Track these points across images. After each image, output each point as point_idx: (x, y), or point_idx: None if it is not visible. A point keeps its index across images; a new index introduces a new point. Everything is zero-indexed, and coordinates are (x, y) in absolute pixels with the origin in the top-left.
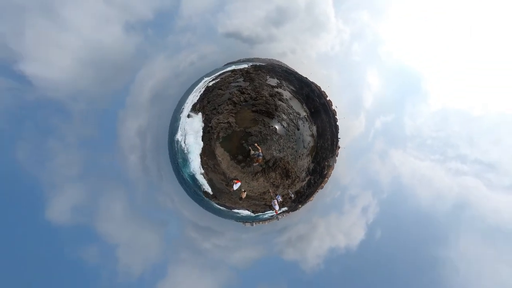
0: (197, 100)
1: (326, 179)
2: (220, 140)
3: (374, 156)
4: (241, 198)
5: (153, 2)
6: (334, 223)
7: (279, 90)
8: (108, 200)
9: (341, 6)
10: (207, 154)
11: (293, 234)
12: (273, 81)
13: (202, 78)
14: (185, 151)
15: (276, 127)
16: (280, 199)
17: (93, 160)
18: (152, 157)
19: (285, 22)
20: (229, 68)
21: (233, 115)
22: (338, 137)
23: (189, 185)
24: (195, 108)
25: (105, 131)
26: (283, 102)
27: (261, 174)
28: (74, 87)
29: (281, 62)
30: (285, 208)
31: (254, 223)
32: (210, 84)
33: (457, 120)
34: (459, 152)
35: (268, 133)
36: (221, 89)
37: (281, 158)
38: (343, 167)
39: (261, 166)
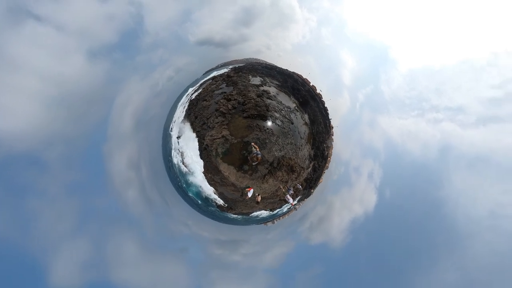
0: (184, 117)
1: (329, 159)
2: (220, 155)
3: (364, 126)
4: (257, 202)
5: (114, 23)
6: (347, 196)
7: (265, 87)
8: (116, 246)
9: None
10: (210, 171)
11: (314, 219)
12: (256, 80)
13: (184, 92)
14: (186, 173)
15: (272, 128)
16: (292, 191)
17: (87, 207)
18: (152, 187)
19: (254, 21)
20: (209, 76)
21: (226, 127)
22: (329, 118)
23: (200, 204)
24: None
25: (92, 172)
26: (271, 99)
27: (269, 175)
28: (45, 133)
29: (259, 59)
30: (299, 197)
31: (275, 220)
32: (193, 96)
33: (424, 77)
34: (432, 104)
35: (266, 136)
36: (205, 100)
37: (283, 156)
38: (340, 144)
39: (261, 164)
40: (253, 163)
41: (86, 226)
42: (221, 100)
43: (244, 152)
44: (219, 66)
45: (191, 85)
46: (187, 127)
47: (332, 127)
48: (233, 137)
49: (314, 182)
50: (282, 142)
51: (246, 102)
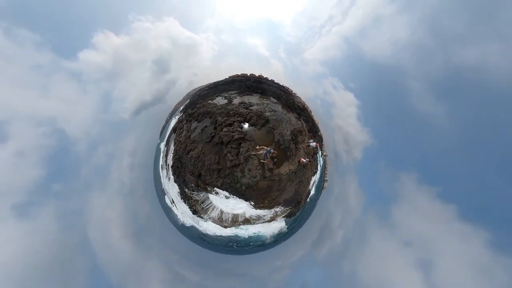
0: (178, 191)
1: (305, 105)
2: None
3: (302, 66)
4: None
5: (35, 158)
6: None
7: (233, 101)
8: None
9: (186, 25)
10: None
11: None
12: (221, 100)
13: (156, 171)
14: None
15: (271, 121)
16: (312, 141)
17: None
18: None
19: (169, 64)
20: (170, 129)
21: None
22: (282, 85)
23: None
24: (185, 197)
25: None
26: (251, 106)
27: (294, 146)
28: None
29: (196, 87)
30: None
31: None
32: (171, 162)
33: (299, 18)
34: (320, 23)
35: (275, 128)
36: (191, 150)
37: (292, 131)
38: (302, 89)
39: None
40: (274, 160)
41: None
42: (222, 132)
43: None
44: (168, 119)
45: (157, 158)
46: (185, 198)
47: (288, 88)
48: (245, 176)
49: (315, 126)
50: (282, 125)
51: (248, 118)
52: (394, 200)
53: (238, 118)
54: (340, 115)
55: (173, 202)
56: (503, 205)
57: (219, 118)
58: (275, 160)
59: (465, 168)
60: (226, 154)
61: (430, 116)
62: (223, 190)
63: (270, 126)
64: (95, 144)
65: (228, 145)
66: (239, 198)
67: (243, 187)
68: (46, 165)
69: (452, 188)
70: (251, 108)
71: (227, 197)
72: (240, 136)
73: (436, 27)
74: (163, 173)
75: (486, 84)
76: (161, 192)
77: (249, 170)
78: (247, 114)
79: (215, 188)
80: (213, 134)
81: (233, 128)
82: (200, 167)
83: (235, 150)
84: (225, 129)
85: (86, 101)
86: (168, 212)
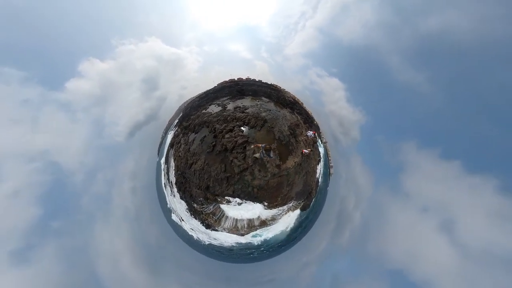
0: (186, 207)
1: (297, 99)
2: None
3: (286, 62)
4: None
5: (31, 196)
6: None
7: (228, 107)
8: None
9: (168, 42)
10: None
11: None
12: (215, 108)
13: (160, 190)
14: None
15: (268, 120)
16: (310, 132)
17: None
18: None
19: (157, 82)
20: (167, 145)
21: (236, 181)
22: (270, 83)
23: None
24: (195, 212)
25: None
26: (246, 109)
27: (293, 139)
28: None
29: (188, 100)
30: (314, 132)
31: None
32: (173, 179)
33: (276, 19)
34: (294, 20)
35: (273, 126)
36: (193, 163)
37: (290, 125)
38: (290, 84)
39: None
40: (269, 152)
41: None
42: (225, 139)
43: (258, 157)
44: (163, 135)
45: (158, 177)
46: (196, 213)
47: (277, 85)
48: (255, 177)
49: (309, 117)
50: (279, 122)
51: (246, 121)
52: (400, 170)
53: (237, 123)
54: (330, 100)
55: (183, 219)
56: (503, 149)
57: (217, 126)
58: (275, 151)
59: (457, 124)
60: (232, 160)
61: (412, 84)
62: (235, 197)
63: (269, 125)
64: (92, 172)
65: (233, 151)
66: (253, 202)
67: (255, 189)
68: (42, 203)
69: (451, 146)
70: (247, 111)
71: (239, 204)
72: (244, 140)
73: (397, 5)
74: (167, 191)
75: (453, 44)
76: (168, 212)
77: (259, 170)
78: (244, 118)
79: (226, 197)
80: (214, 143)
81: (234, 134)
82: (207, 178)
83: (241, 155)
84: (227, 136)
85: (78, 129)
86: (178, 230)
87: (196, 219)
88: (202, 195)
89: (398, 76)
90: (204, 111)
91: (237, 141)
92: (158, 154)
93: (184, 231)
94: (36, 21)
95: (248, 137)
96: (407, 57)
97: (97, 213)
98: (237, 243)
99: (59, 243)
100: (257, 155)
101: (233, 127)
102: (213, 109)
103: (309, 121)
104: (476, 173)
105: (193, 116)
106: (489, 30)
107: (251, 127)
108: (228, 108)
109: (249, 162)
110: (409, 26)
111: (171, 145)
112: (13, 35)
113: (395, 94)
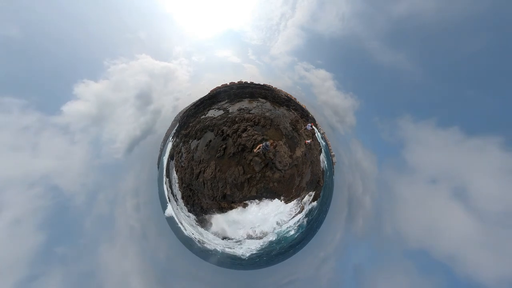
0: (194, 219)
1: (293, 98)
2: (276, 183)
3: (275, 61)
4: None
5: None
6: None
7: (230, 110)
8: None
9: (158, 57)
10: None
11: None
12: (216, 112)
13: (164, 206)
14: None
15: (272, 119)
16: (309, 125)
17: None
18: None
19: (151, 96)
20: (167, 157)
21: (254, 181)
22: (265, 85)
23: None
24: (200, 223)
25: None
26: (251, 111)
27: (297, 140)
28: None
29: (183, 109)
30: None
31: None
32: (179, 195)
33: (258, 22)
34: (276, 21)
35: (277, 125)
36: (200, 171)
37: (291, 121)
38: (283, 82)
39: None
40: (275, 149)
41: None
42: (242, 138)
43: (262, 156)
44: (161, 148)
45: (161, 191)
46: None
47: (270, 85)
48: (268, 175)
49: (304, 111)
50: (281, 120)
51: (256, 120)
52: (401, 146)
53: (248, 123)
54: (321, 91)
55: (192, 232)
56: (496, 106)
57: (225, 128)
58: (273, 144)
59: (446, 92)
60: (252, 158)
61: (395, 63)
62: (258, 197)
63: (275, 123)
64: (93, 193)
65: (253, 150)
66: (273, 198)
67: (275, 184)
68: (45, 229)
69: (445, 113)
70: (252, 112)
71: (257, 203)
72: (261, 137)
73: None
74: (173, 205)
75: (423, 23)
76: (176, 226)
77: (279, 162)
78: (253, 118)
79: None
80: (224, 146)
81: (250, 132)
82: (222, 187)
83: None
84: (244, 135)
85: (77, 151)
86: (189, 244)
87: (208, 230)
88: (216, 206)
89: (380, 58)
90: (203, 116)
91: (256, 138)
92: (158, 167)
93: (194, 242)
94: (31, 50)
95: (264, 135)
96: (384, 41)
97: (101, 235)
98: (251, 248)
99: (64, 270)
100: (259, 150)
101: (246, 127)
102: (214, 113)
103: (305, 115)
104: (476, 135)
105: (192, 123)
106: (451, 7)
107: (262, 126)
108: (231, 111)
109: (271, 156)
110: (382, 13)
111: (171, 156)
112: (11, 66)
113: (381, 74)
